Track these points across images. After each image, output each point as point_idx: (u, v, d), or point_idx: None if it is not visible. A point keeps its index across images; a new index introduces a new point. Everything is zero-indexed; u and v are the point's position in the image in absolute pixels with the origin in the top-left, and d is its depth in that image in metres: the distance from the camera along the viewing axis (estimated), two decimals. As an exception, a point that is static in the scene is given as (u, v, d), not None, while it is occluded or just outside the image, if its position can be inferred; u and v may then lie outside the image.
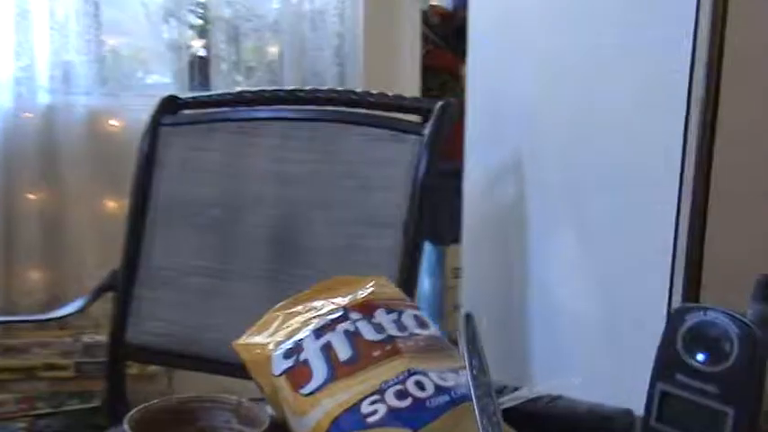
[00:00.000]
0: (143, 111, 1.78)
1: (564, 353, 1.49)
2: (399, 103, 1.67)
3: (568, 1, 1.58)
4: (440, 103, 1.59)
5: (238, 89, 1.86)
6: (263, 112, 1.76)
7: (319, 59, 2.76)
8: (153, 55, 2.80)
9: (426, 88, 3.00)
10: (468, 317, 0.68)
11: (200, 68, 2.80)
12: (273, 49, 2.78)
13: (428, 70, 3.04)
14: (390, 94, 1.68)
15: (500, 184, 1.80)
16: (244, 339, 0.79)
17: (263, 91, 1.81)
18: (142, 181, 1.78)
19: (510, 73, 1.71)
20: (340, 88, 1.72)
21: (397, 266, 1.56)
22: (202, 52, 2.82)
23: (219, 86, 2.73)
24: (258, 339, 0.77)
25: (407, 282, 1.55)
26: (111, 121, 2.71)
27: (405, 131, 1.61)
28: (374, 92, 1.69)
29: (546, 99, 1.57)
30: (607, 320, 1.39)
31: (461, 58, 3.35)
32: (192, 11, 2.81)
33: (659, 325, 1.31)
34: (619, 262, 1.35)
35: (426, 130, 1.57)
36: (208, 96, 1.83)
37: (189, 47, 2.80)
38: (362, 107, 1.69)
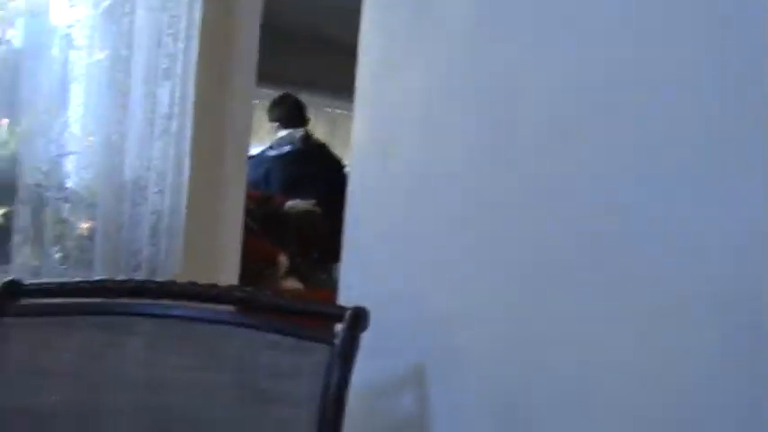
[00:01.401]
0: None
1: None
2: (299, 308, 1.49)
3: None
4: (351, 309, 1.43)
5: (98, 278, 1.58)
6: (129, 305, 1.51)
7: (136, 238, 2.50)
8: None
9: (243, 275, 2.81)
10: None
11: (-4, 241, 2.44)
12: (84, 224, 2.49)
13: (244, 256, 2.86)
14: (283, 295, 1.50)
15: (390, 399, 1.63)
16: None
17: (128, 281, 1.57)
18: (-34, 385, 1.46)
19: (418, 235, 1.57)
20: (221, 284, 1.51)
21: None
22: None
23: (20, 262, 2.39)
24: None
25: None
26: None
27: (310, 339, 1.42)
28: (266, 292, 1.50)
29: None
30: None
31: (280, 245, 3.22)
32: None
33: None
34: None
35: (337, 339, 1.40)
36: (59, 284, 1.55)
37: (-18, 216, 2.44)
38: (254, 307, 1.49)
